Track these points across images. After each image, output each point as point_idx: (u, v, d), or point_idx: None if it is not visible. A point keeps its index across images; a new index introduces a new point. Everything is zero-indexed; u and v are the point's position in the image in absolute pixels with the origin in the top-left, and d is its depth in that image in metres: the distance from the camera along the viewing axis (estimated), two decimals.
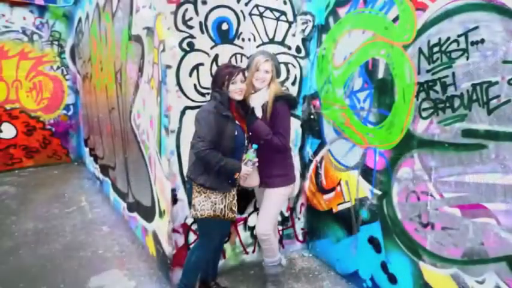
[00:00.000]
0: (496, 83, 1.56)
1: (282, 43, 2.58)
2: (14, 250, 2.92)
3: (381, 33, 2.10)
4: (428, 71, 1.85)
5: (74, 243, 3.04)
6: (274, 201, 2.18)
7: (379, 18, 2.11)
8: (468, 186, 1.70)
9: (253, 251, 2.72)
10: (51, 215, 3.70)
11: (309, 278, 2.55)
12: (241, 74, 1.94)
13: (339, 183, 2.54)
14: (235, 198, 2.01)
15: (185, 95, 2.23)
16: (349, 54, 2.35)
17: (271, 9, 2.48)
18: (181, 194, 2.29)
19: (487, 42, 1.58)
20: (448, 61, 1.75)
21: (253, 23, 2.41)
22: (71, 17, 5.79)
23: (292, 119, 2.33)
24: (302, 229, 2.94)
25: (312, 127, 2.77)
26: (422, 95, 1.88)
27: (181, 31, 2.16)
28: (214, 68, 2.26)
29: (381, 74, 2.13)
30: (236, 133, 1.95)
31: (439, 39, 1.78)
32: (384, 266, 2.20)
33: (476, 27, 1.62)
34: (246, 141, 2.05)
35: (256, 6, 2.41)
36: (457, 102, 1.72)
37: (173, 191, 2.27)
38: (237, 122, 1.99)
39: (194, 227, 2.38)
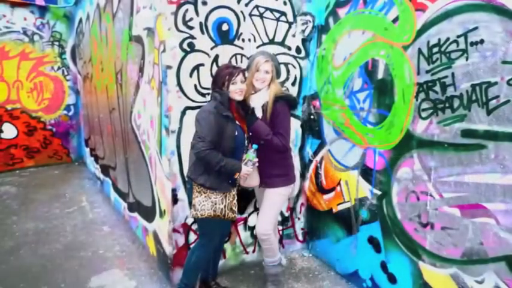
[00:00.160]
0: (496, 83, 1.56)
1: (282, 44, 2.58)
2: (15, 250, 2.93)
3: (381, 33, 2.11)
4: (427, 72, 1.85)
5: (75, 243, 3.05)
6: (274, 201, 2.18)
7: (379, 19, 2.12)
8: (467, 186, 1.70)
9: (254, 251, 2.72)
10: (51, 215, 3.70)
11: (309, 277, 2.56)
12: (241, 75, 1.95)
13: (339, 183, 2.54)
14: (236, 198, 2.02)
15: (185, 95, 2.24)
16: (349, 55, 2.36)
17: (271, 10, 2.49)
18: (182, 194, 2.30)
19: (487, 42, 1.59)
20: (448, 61, 1.75)
21: (253, 23, 2.42)
22: (71, 18, 5.80)
23: (292, 119, 2.33)
24: (302, 229, 2.94)
25: (312, 127, 2.78)
26: (422, 95, 1.89)
27: (181, 32, 2.16)
28: (215, 68, 2.27)
29: (380, 75, 2.14)
30: (236, 133, 1.96)
31: (439, 39, 1.78)
32: (383, 266, 2.20)
33: (475, 28, 1.62)
34: (246, 142, 2.05)
35: (257, 6, 2.41)
36: (456, 103, 1.73)
37: (173, 191, 2.28)
38: (237, 122, 2.00)
39: (194, 226, 2.38)
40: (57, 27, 5.75)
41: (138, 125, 2.91)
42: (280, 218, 2.79)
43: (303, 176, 2.87)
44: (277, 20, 2.53)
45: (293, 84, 2.71)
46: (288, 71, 2.65)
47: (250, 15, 2.40)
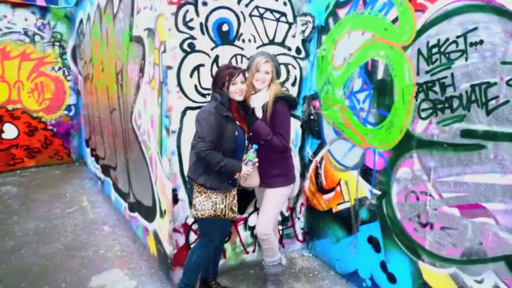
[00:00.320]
0: (495, 83, 1.57)
1: (282, 44, 2.59)
2: (16, 250, 2.94)
3: (381, 34, 2.12)
4: (427, 72, 1.86)
5: (76, 243, 3.06)
6: (274, 201, 2.19)
7: (379, 20, 2.12)
8: (467, 186, 1.71)
9: (254, 251, 2.73)
10: (52, 215, 3.71)
11: (309, 277, 2.56)
12: (241, 75, 1.96)
13: (339, 183, 2.55)
14: (236, 198, 2.03)
15: (186, 95, 2.25)
16: (348, 55, 2.37)
17: (272, 11, 2.49)
18: (182, 194, 2.31)
19: (486, 43, 1.59)
20: (447, 62, 1.76)
21: (253, 24, 2.42)
22: (72, 18, 5.81)
23: (292, 119, 2.34)
24: (302, 229, 2.95)
25: (312, 127, 2.78)
26: (422, 95, 1.89)
27: (182, 32, 2.17)
28: (215, 68, 2.28)
29: (380, 75, 2.14)
30: (236, 133, 1.97)
31: (438, 40, 1.79)
32: (383, 266, 2.21)
33: (475, 29, 1.63)
34: (246, 142, 2.06)
35: (257, 7, 2.42)
36: (456, 103, 1.73)
37: (174, 191, 2.29)
38: (237, 122, 2.00)
39: (195, 226, 2.39)
40: (58, 27, 5.76)
41: (138, 125, 2.92)
42: (280, 218, 2.79)
43: (303, 176, 2.88)
44: (277, 20, 2.53)
45: (293, 84, 2.71)
46: (288, 72, 2.66)
47: (251, 15, 2.41)
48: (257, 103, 2.10)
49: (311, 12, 2.66)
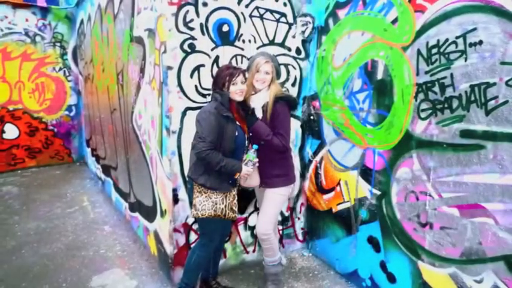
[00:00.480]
0: (494, 84, 1.57)
1: (282, 45, 2.60)
2: (17, 249, 2.95)
3: (380, 34, 2.12)
4: (427, 72, 1.86)
5: (76, 243, 3.07)
6: (275, 201, 2.19)
7: (378, 20, 2.13)
8: (466, 186, 1.71)
9: (254, 251, 2.73)
10: (53, 215, 3.72)
11: (309, 277, 2.57)
12: (241, 75, 1.96)
13: (339, 183, 2.56)
14: (236, 198, 2.03)
15: (186, 95, 2.25)
16: (348, 56, 2.37)
17: (272, 11, 2.50)
18: (183, 194, 2.32)
19: (485, 43, 1.60)
20: (447, 62, 1.76)
21: (253, 24, 2.43)
22: (73, 19, 5.82)
23: (292, 119, 2.34)
24: (302, 229, 2.95)
25: (312, 128, 2.79)
26: (421, 96, 1.90)
27: (182, 33, 2.18)
28: (215, 69, 2.29)
29: (380, 75, 2.15)
30: (237, 134, 1.97)
31: (438, 40, 1.79)
32: (383, 266, 2.21)
33: (474, 29, 1.63)
34: (246, 142, 2.07)
35: (257, 8, 2.43)
36: (455, 103, 1.74)
37: (174, 191, 2.29)
38: (237, 122, 2.01)
39: (195, 226, 2.40)
40: (58, 28, 5.78)
41: (139, 125, 2.93)
42: (280, 218, 2.80)
43: (302, 176, 2.88)
44: (277, 21, 2.54)
45: (293, 84, 2.72)
46: (288, 72, 2.67)
47: (251, 16, 2.41)
48: (257, 103, 2.10)
49: (311, 12, 2.67)
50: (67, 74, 5.97)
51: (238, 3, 2.35)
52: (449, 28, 1.74)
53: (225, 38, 2.33)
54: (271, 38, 2.53)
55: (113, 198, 4.08)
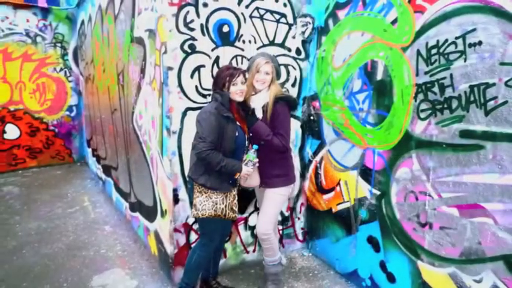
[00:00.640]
0: (493, 84, 1.58)
1: (282, 45, 2.61)
2: (18, 249, 2.96)
3: (380, 35, 2.13)
4: (426, 73, 1.87)
5: (77, 243, 3.08)
6: (275, 201, 2.20)
7: (378, 21, 2.13)
8: (466, 187, 1.72)
9: (254, 250, 2.74)
10: (54, 215, 3.73)
11: (309, 277, 2.57)
12: (241, 76, 1.97)
13: (339, 184, 2.56)
14: (236, 198, 2.04)
15: (186, 96, 2.26)
16: (348, 56, 2.38)
17: (272, 12, 2.51)
18: (183, 194, 2.32)
19: (485, 44, 1.60)
20: (446, 63, 1.77)
21: (253, 25, 2.44)
22: (73, 20, 5.84)
23: (292, 120, 2.35)
24: (302, 229, 2.96)
25: (312, 128, 2.79)
26: (421, 96, 1.90)
27: (182, 33, 2.19)
28: (215, 69, 2.29)
29: (379, 76, 2.15)
30: (237, 134, 1.98)
31: (437, 41, 1.80)
32: (382, 265, 2.22)
33: (473, 30, 1.64)
34: (246, 142, 2.07)
35: (257, 8, 2.43)
36: (454, 104, 1.74)
37: (175, 191, 2.30)
38: (237, 123, 2.02)
39: (195, 226, 2.40)
40: (59, 28, 5.79)
41: (139, 125, 2.94)
42: (280, 218, 2.80)
43: (302, 176, 2.89)
44: (278, 21, 2.55)
45: (293, 85, 2.72)
46: (288, 72, 2.67)
47: (251, 17, 2.42)
48: (257, 104, 2.11)
49: (311, 13, 2.68)
50: (68, 74, 5.99)
51: (239, 3, 2.35)
52: (449, 29, 1.74)
53: (225, 38, 2.34)
54: (271, 38, 2.54)
55: (113, 198, 4.09)
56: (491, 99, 1.59)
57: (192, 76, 2.26)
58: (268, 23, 2.50)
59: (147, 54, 2.59)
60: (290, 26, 2.61)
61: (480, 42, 1.62)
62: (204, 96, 2.32)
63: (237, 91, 1.95)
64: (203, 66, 2.29)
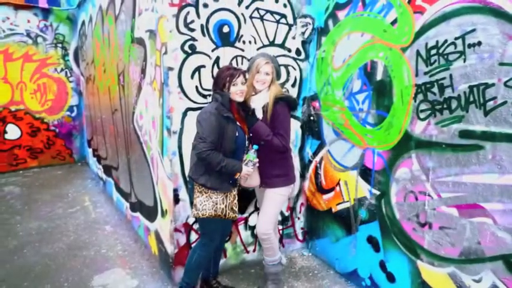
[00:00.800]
0: (493, 84, 1.58)
1: (282, 46, 2.61)
2: (19, 249, 2.96)
3: (380, 36, 2.13)
4: (426, 73, 1.87)
5: (78, 243, 3.08)
6: (275, 201, 2.20)
7: (378, 21, 2.14)
8: (465, 187, 1.72)
9: (254, 250, 2.75)
10: (55, 215, 3.74)
11: (309, 276, 2.58)
12: (242, 76, 1.97)
13: (338, 184, 2.57)
14: (236, 198, 2.04)
15: (187, 96, 2.27)
16: (348, 57, 2.38)
17: (272, 12, 2.51)
18: (183, 194, 2.33)
19: (484, 44, 1.61)
20: (446, 63, 1.77)
21: (253, 25, 2.45)
22: (74, 20, 5.85)
23: (292, 120, 2.35)
24: (302, 228, 2.96)
25: (312, 128, 2.80)
26: (420, 96, 1.91)
27: (183, 34, 2.20)
28: (216, 70, 2.30)
29: (379, 76, 2.16)
30: (237, 134, 1.99)
31: (437, 41, 1.81)
32: (382, 265, 2.22)
33: (473, 30, 1.65)
34: (246, 142, 2.08)
35: (257, 9, 2.44)
36: (454, 104, 1.75)
37: (175, 191, 2.31)
38: (237, 123, 2.02)
39: (196, 226, 2.41)
40: (60, 29, 5.81)
41: (140, 125, 2.94)
42: (280, 218, 2.81)
43: (302, 176, 2.90)
44: (278, 22, 2.56)
45: (293, 85, 2.73)
46: (288, 73, 2.68)
47: (251, 17, 2.43)
48: (257, 104, 2.12)
49: (311, 14, 2.68)
50: (68, 74, 6.01)
51: (239, 4, 2.36)
52: (448, 29, 1.75)
53: (225, 39, 2.34)
54: (271, 39, 2.55)
55: (114, 198, 4.10)
56: (490, 100, 1.60)
57: (192, 76, 2.27)
58: (268, 24, 2.51)
59: (148, 54, 2.60)
60: (290, 26, 2.62)
61: (479, 43, 1.62)
62: (204, 96, 2.32)
63: (237, 91, 1.96)
64: (203, 66, 2.30)
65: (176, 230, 2.35)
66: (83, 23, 5.25)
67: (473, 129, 1.67)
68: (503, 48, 1.54)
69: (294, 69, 2.71)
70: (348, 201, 2.50)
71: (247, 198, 2.62)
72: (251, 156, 2.02)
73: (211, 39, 2.29)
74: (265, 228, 2.16)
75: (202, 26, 2.25)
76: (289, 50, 2.66)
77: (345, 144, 2.47)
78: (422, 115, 1.91)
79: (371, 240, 2.30)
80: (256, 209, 2.66)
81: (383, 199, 2.19)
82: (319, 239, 2.82)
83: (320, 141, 2.73)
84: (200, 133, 1.89)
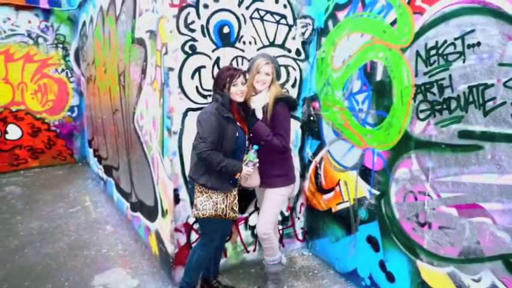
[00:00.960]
0: (492, 85, 1.59)
1: (282, 46, 2.62)
2: (20, 249, 2.97)
3: (379, 36, 2.14)
4: (425, 74, 1.88)
5: (78, 243, 3.09)
6: (275, 201, 2.21)
7: (378, 22, 2.14)
8: (465, 187, 1.73)
9: (254, 250, 2.75)
10: (55, 215, 3.75)
11: (309, 276, 2.58)
12: (242, 76, 1.98)
13: (338, 184, 2.57)
14: (236, 198, 2.05)
15: (187, 96, 2.28)
16: (348, 57, 2.39)
17: (272, 13, 2.52)
18: (184, 194, 2.34)
19: (483, 45, 1.61)
20: (445, 64, 1.78)
21: (254, 26, 2.45)
22: (75, 21, 5.87)
23: (292, 120, 2.36)
24: (302, 228, 2.97)
25: (312, 128, 2.81)
26: (420, 97, 1.91)
27: (183, 34, 2.20)
28: (216, 70, 2.31)
29: (379, 77, 2.16)
30: (237, 134, 1.99)
31: (436, 42, 1.81)
32: (382, 265, 2.22)
33: (472, 31, 1.65)
34: (246, 142, 2.09)
35: (257, 9, 2.45)
36: (453, 104, 1.75)
37: (175, 191, 2.32)
38: (238, 123, 2.03)
39: (196, 226, 2.42)
40: (61, 30, 5.82)
41: (140, 126, 2.95)
42: (280, 218, 2.82)
43: (302, 176, 2.90)
44: (278, 22, 2.56)
45: (293, 86, 2.74)
46: (288, 73, 2.69)
47: (251, 18, 2.44)
48: (257, 104, 2.12)
49: (311, 14, 2.69)
50: (69, 75, 6.02)
51: (239, 5, 2.37)
52: (448, 30, 1.75)
53: (225, 39, 2.35)
54: (271, 39, 2.56)
55: (114, 198, 4.10)
56: (490, 100, 1.60)
57: (192, 77, 2.28)
58: (268, 24, 2.52)
59: (148, 55, 2.61)
60: (290, 27, 2.63)
61: (479, 43, 1.63)
62: (205, 96, 2.33)
63: (237, 92, 1.97)
64: (204, 67, 2.30)
65: (176, 229, 2.36)
66: (84, 23, 5.26)
67: (472, 130, 1.67)
68: (502, 48, 1.55)
69: (294, 69, 2.72)
70: (347, 201, 2.50)
71: (247, 198, 2.62)
72: (251, 156, 2.03)
73: (211, 39, 2.30)
74: (265, 228, 2.17)
75: (202, 26, 2.26)
76: (289, 51, 2.66)
77: (344, 145, 2.48)
78: (421, 115, 1.91)
79: (371, 240, 2.31)
80: (256, 209, 2.66)
81: (383, 199, 2.20)
82: (319, 238, 2.83)
83: (320, 141, 2.73)
84: (200, 133, 1.90)
